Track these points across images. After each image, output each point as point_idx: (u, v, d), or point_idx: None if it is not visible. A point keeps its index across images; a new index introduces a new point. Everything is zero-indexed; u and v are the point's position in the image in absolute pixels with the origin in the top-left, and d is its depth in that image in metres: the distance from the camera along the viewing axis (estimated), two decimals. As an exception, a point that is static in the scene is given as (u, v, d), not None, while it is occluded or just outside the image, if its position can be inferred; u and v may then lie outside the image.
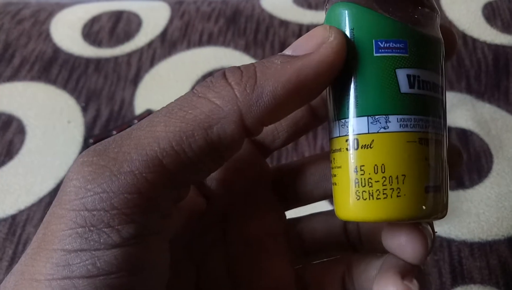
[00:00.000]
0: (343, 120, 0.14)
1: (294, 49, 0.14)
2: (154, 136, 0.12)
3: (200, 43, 0.49)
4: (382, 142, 0.13)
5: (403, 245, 0.15)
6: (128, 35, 0.50)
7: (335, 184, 0.15)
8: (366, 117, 0.14)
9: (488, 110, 0.42)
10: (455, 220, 0.35)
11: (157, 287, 0.14)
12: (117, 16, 0.52)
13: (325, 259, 0.19)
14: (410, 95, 0.14)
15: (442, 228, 0.34)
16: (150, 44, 0.49)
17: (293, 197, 0.20)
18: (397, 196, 0.13)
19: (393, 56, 0.14)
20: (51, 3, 0.56)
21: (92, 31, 0.51)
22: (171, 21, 0.52)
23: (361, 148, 0.14)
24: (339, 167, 0.14)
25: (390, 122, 0.13)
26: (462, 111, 0.42)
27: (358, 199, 0.14)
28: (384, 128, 0.13)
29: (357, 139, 0.14)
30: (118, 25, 0.51)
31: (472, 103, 0.42)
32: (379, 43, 0.14)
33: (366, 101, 0.14)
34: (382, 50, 0.14)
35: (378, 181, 0.13)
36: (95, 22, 0.52)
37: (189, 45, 0.49)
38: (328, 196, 0.18)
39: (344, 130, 0.14)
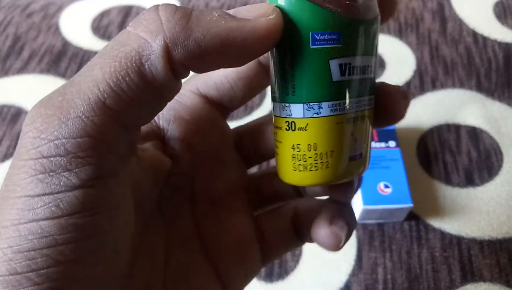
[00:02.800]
0: (283, 104, 0.16)
1: (235, 12, 0.14)
2: (93, 79, 0.13)
3: (209, 38, 0.49)
4: (314, 125, 0.16)
5: (336, 189, 0.19)
6: (137, 30, 0.50)
7: (277, 154, 0.17)
8: (302, 104, 0.15)
9: (498, 108, 0.41)
10: (465, 218, 0.35)
11: (122, 227, 0.14)
12: (127, 11, 0.52)
13: (276, 206, 0.21)
14: (341, 82, 0.15)
15: (452, 225, 0.34)
16: (159, 39, 0.49)
17: (254, 155, 0.21)
18: (326, 167, 0.16)
19: (327, 48, 0.15)
20: (60, -3, 0.56)
21: (102, 25, 0.51)
22: (180, 16, 0.51)
23: (298, 130, 0.16)
24: (280, 142, 0.17)
25: (322, 108, 0.15)
26: (472, 109, 0.41)
27: (294, 170, 0.16)
28: (317, 113, 0.15)
29: (294, 122, 0.16)
30: (128, 19, 0.51)
31: (482, 101, 0.42)
32: (315, 35, 0.15)
33: (302, 90, 0.15)
34: (318, 43, 0.15)
35: (311, 157, 0.16)
36: (104, 16, 0.52)
37: (198, 40, 0.49)
38: None
39: (284, 112, 0.16)
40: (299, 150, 0.16)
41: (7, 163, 0.40)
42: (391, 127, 0.36)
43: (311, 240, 0.20)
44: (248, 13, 0.14)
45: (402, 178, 0.33)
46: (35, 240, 0.12)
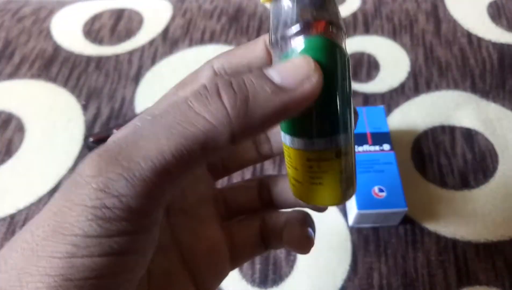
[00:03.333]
0: (329, 138, 0.17)
1: (282, 77, 0.16)
2: (159, 148, 0.15)
3: (202, 41, 0.48)
4: (348, 151, 0.18)
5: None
6: (130, 33, 0.50)
7: (321, 184, 0.18)
8: (345, 135, 0.18)
9: (493, 109, 0.41)
10: (460, 221, 0.34)
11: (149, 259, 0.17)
12: (119, 14, 0.52)
13: (243, 217, 0.24)
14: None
15: (448, 229, 0.34)
16: (151, 42, 0.49)
17: (221, 168, 0.23)
18: (352, 185, 0.19)
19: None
20: (51, 1, 0.56)
21: (93, 29, 0.50)
22: (173, 19, 0.51)
23: (343, 155, 0.18)
24: (326, 171, 0.18)
25: (351, 137, 0.18)
26: (467, 111, 0.41)
27: (342, 193, 0.18)
28: (349, 141, 0.18)
29: (340, 150, 0.18)
30: (120, 23, 0.51)
31: (477, 103, 0.42)
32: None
33: (347, 123, 0.18)
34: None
35: (351, 177, 0.19)
36: (96, 20, 0.51)
37: (191, 43, 0.48)
38: (248, 164, 0.23)
39: (330, 144, 0.17)
40: (346, 172, 0.18)
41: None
42: (385, 130, 0.35)
43: (277, 247, 0.23)
44: (294, 78, 0.16)
45: (397, 182, 0.33)
46: (86, 272, 0.14)
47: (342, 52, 0.17)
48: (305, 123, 0.17)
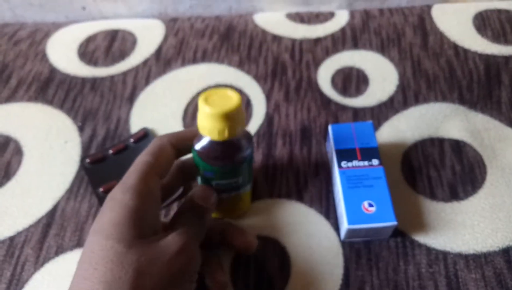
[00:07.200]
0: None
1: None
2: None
3: (194, 60, 0.49)
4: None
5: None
6: (124, 54, 0.51)
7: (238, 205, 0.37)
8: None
9: (481, 120, 0.42)
10: (450, 232, 0.35)
11: None
12: (112, 35, 0.53)
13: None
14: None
15: (437, 240, 0.35)
16: (145, 62, 0.50)
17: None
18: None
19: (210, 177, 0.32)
20: (47, 23, 0.57)
21: (88, 51, 0.51)
22: (165, 38, 0.52)
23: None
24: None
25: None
26: (455, 122, 0.42)
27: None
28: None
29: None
30: (114, 44, 0.52)
31: (465, 114, 0.43)
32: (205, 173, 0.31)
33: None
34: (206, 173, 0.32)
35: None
36: (90, 42, 0.52)
37: (184, 62, 0.49)
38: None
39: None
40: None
41: (-4, 194, 0.40)
42: (373, 145, 0.36)
43: (232, 247, 0.34)
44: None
45: (386, 197, 0.33)
46: None
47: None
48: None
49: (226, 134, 0.28)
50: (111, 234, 0.25)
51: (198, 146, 0.30)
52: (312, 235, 0.35)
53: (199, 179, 0.33)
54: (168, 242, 0.26)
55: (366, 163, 0.35)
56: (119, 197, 0.26)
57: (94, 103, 0.46)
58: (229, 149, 0.29)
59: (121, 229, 0.25)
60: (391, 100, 0.44)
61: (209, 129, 0.27)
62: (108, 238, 0.25)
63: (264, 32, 0.52)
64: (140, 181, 0.27)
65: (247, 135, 0.31)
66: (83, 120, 0.45)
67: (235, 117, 0.27)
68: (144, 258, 0.25)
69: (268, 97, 0.45)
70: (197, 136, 0.30)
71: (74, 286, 0.25)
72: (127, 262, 0.24)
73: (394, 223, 0.32)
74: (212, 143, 0.29)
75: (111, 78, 0.48)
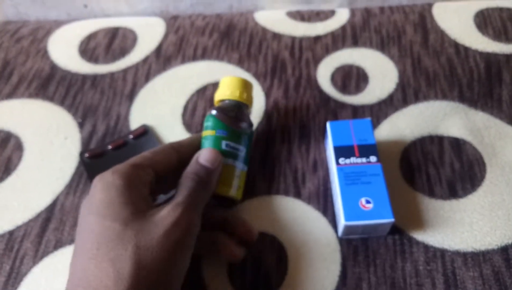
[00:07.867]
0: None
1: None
2: None
3: (194, 58, 0.49)
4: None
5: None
6: (124, 51, 0.51)
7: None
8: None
9: (481, 118, 0.42)
10: (448, 230, 0.35)
11: None
12: (113, 33, 0.53)
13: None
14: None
15: (435, 238, 0.35)
16: (145, 60, 0.50)
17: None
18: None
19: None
20: (49, 20, 0.57)
21: (89, 48, 0.52)
22: (166, 36, 0.52)
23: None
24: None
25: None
26: (455, 120, 0.42)
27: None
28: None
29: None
30: (114, 41, 0.52)
31: (465, 112, 0.42)
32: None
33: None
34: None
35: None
36: (91, 39, 0.53)
37: (184, 60, 0.49)
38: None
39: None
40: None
41: (-4, 188, 0.40)
42: (371, 142, 0.36)
43: (234, 235, 0.34)
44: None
45: (384, 193, 0.33)
46: None
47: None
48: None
49: (244, 96, 0.37)
50: (106, 214, 0.26)
51: (214, 111, 0.36)
52: (309, 231, 0.35)
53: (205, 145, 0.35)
54: (163, 215, 0.27)
55: (364, 160, 0.35)
56: (108, 178, 0.28)
57: (94, 100, 0.46)
58: (241, 114, 0.36)
59: (115, 208, 0.26)
60: (390, 97, 0.44)
61: (231, 91, 0.37)
62: (105, 218, 0.26)
63: (264, 30, 0.52)
64: (130, 167, 0.29)
65: (250, 121, 0.38)
66: (83, 117, 0.45)
67: (249, 89, 0.38)
68: (142, 234, 0.26)
69: (268, 94, 0.45)
70: (211, 108, 0.39)
71: (79, 267, 0.25)
72: (126, 239, 0.25)
73: (391, 220, 0.32)
74: (230, 106, 0.36)
75: (112, 75, 0.48)
